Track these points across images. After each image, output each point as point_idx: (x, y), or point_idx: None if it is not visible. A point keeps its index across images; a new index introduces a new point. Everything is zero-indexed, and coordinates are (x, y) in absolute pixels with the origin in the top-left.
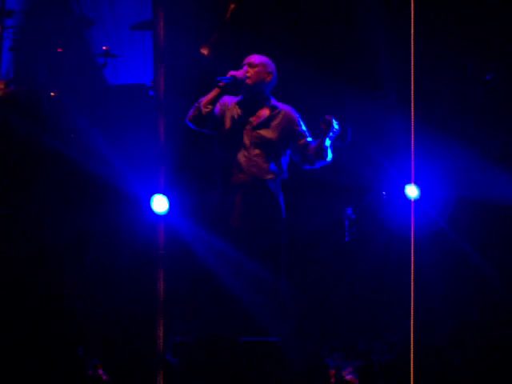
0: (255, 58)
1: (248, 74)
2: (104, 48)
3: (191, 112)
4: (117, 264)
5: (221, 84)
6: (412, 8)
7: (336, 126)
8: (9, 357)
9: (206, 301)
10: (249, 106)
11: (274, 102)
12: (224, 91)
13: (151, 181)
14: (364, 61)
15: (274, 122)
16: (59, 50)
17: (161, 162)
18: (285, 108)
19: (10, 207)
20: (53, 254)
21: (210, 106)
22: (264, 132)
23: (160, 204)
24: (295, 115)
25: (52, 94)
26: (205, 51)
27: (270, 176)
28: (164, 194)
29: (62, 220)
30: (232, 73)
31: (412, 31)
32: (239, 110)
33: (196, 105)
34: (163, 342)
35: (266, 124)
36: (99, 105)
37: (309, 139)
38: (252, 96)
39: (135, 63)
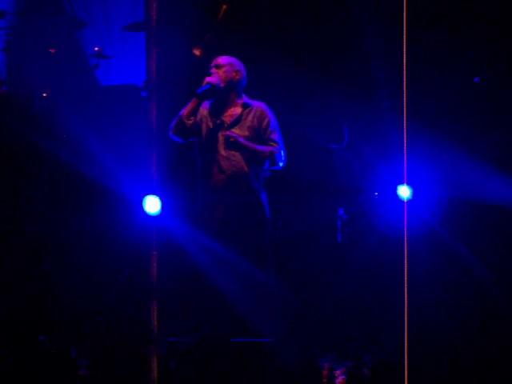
0: (221, 59)
1: (218, 76)
2: (96, 49)
3: (174, 126)
4: (109, 265)
5: (199, 92)
6: (404, 11)
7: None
8: (2, 356)
9: (199, 302)
10: (221, 107)
11: (246, 99)
12: (202, 99)
13: (143, 182)
14: (358, 62)
15: (247, 119)
16: (51, 50)
17: (153, 163)
18: (257, 104)
19: (1, 208)
20: (45, 254)
21: (192, 118)
22: (237, 130)
23: (152, 205)
24: (266, 112)
25: (44, 94)
26: (197, 52)
27: (251, 174)
28: (156, 194)
29: (53, 221)
30: (208, 80)
31: (404, 33)
32: (212, 113)
33: (178, 118)
34: (156, 342)
35: (238, 122)
36: (91, 105)
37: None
38: (223, 96)
39: (128, 64)
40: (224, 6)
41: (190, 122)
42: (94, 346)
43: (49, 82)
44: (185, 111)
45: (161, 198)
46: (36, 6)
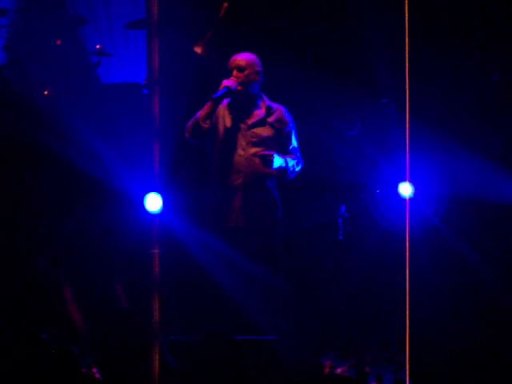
0: (242, 61)
1: (239, 80)
2: (98, 47)
3: (190, 129)
4: (111, 262)
5: (215, 97)
6: (406, 8)
7: (276, 163)
8: (4, 356)
9: (202, 299)
10: (241, 106)
11: (268, 102)
12: (219, 102)
13: (145, 179)
14: (361, 59)
15: (269, 120)
16: (53, 48)
17: (155, 161)
18: (280, 107)
19: (3, 206)
20: (46, 251)
21: (208, 121)
22: (260, 130)
23: (154, 202)
24: (288, 117)
25: (46, 92)
26: (199, 49)
27: (268, 173)
28: (158, 192)
29: (55, 219)
30: (225, 83)
31: (406, 30)
32: (231, 112)
33: (193, 122)
34: (159, 340)
35: (261, 123)
36: (93, 104)
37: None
38: (244, 98)
39: (129, 62)
40: (225, 3)
41: (207, 125)
42: (95, 344)
43: (50, 79)
44: (201, 114)
45: (162, 196)
46: (37, 4)
